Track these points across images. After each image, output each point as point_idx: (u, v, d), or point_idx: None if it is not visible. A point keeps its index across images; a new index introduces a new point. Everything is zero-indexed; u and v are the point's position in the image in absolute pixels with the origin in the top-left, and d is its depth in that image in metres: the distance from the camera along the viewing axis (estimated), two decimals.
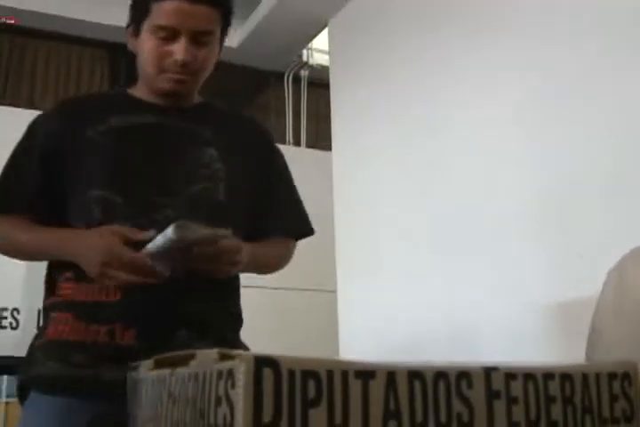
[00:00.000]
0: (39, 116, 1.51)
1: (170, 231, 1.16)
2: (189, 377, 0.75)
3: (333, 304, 3.41)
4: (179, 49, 1.40)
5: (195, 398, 0.72)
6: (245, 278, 1.49)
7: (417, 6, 3.40)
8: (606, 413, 0.80)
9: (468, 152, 2.93)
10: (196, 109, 1.54)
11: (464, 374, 0.73)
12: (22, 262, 1.60)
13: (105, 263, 1.24)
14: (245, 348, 1.44)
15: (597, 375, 0.80)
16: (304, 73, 4.72)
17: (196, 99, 1.55)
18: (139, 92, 1.52)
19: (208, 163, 1.45)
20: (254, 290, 3.62)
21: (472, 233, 2.77)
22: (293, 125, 4.71)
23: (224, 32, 1.49)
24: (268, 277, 1.61)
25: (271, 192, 1.56)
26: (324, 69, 4.43)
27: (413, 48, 3.39)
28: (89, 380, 1.29)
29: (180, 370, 0.78)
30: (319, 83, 4.62)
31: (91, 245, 1.28)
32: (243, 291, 1.52)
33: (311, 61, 4.66)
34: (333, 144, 4.06)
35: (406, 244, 3.21)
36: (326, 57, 4.28)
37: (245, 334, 1.49)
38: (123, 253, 1.25)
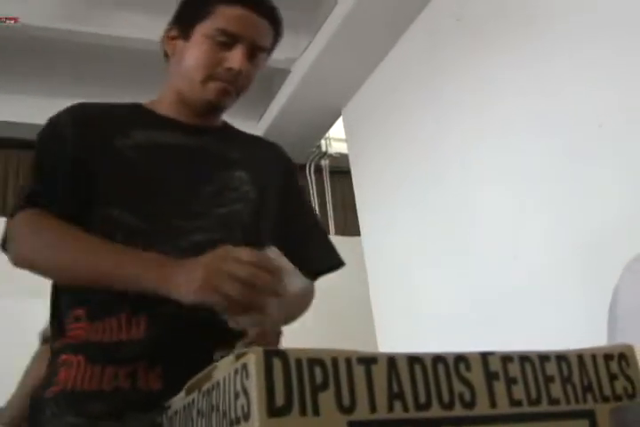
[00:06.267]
0: (55, 118, 1.35)
1: None
2: (213, 387, 0.81)
3: None
4: (235, 57, 1.33)
5: (217, 402, 0.78)
6: None
7: (426, 86, 3.55)
8: (607, 391, 0.83)
9: (494, 221, 3.00)
10: (222, 131, 1.48)
11: (461, 358, 0.78)
12: None
13: (210, 272, 1.04)
14: None
15: (593, 357, 0.85)
16: (325, 162, 4.88)
17: (219, 120, 1.48)
18: (162, 107, 1.42)
19: (237, 186, 1.37)
20: None
21: (504, 299, 2.81)
22: (320, 214, 4.82)
23: (268, 56, 1.44)
24: None
25: (297, 220, 1.48)
26: (343, 157, 4.59)
27: (425, 127, 3.53)
28: None
29: (206, 385, 0.84)
30: (340, 170, 4.76)
31: (188, 263, 1.10)
32: None
33: (330, 150, 4.82)
34: (362, 229, 4.14)
35: (445, 320, 3.24)
36: (344, 145, 4.45)
37: None
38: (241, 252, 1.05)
